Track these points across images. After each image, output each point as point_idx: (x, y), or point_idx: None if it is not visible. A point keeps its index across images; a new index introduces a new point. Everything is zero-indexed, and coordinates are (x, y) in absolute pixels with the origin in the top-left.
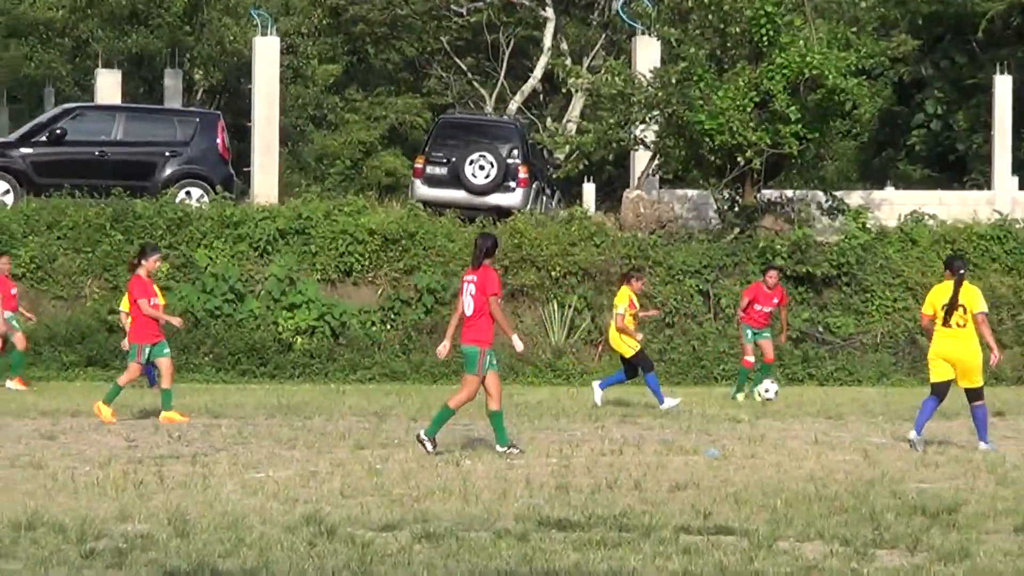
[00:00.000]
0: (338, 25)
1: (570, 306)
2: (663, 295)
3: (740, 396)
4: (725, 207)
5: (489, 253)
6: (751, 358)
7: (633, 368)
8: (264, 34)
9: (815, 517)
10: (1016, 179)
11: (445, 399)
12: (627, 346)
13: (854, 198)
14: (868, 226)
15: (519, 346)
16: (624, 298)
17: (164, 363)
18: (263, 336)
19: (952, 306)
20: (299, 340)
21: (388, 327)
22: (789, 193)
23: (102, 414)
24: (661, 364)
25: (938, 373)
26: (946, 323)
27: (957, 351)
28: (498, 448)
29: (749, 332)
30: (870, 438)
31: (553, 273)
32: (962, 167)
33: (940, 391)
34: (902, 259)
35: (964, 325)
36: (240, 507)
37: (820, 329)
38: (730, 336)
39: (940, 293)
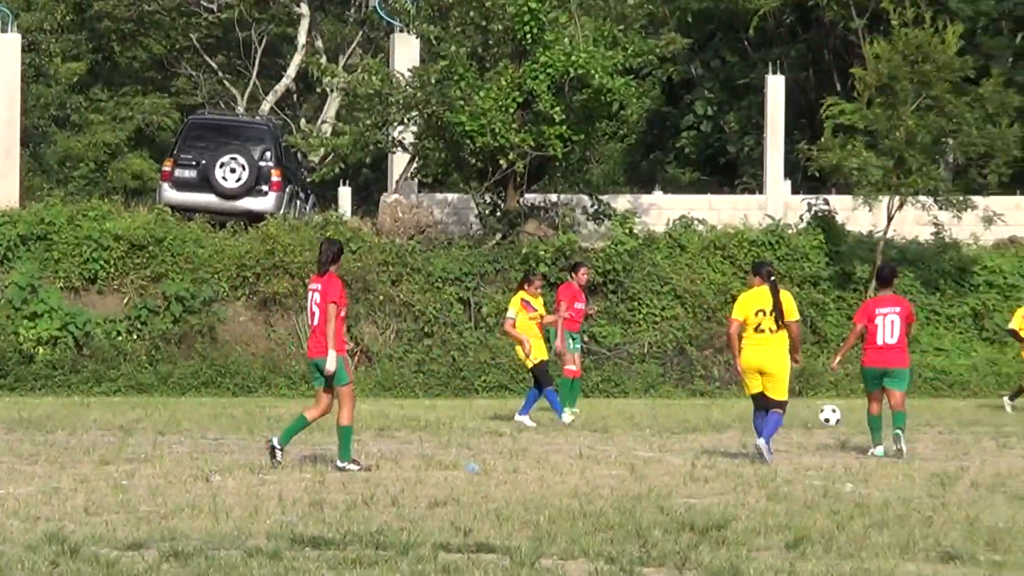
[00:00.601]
0: (82, 21)
1: None
2: (421, 303)
3: (567, 415)
4: (487, 212)
5: (335, 259)
6: (573, 367)
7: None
8: (4, 31)
9: (580, 534)
10: (788, 183)
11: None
12: (522, 353)
13: (621, 202)
14: (635, 232)
15: (332, 365)
16: (515, 302)
17: None
18: (3, 346)
19: (779, 312)
20: (41, 351)
21: (134, 337)
22: (553, 197)
23: None
24: (420, 375)
25: (751, 384)
26: (759, 329)
27: (765, 359)
28: (338, 463)
29: (571, 339)
30: (637, 452)
31: (307, 281)
32: (733, 170)
33: (760, 402)
34: (671, 266)
35: (776, 332)
36: None
37: (585, 339)
38: (491, 346)
39: (753, 299)
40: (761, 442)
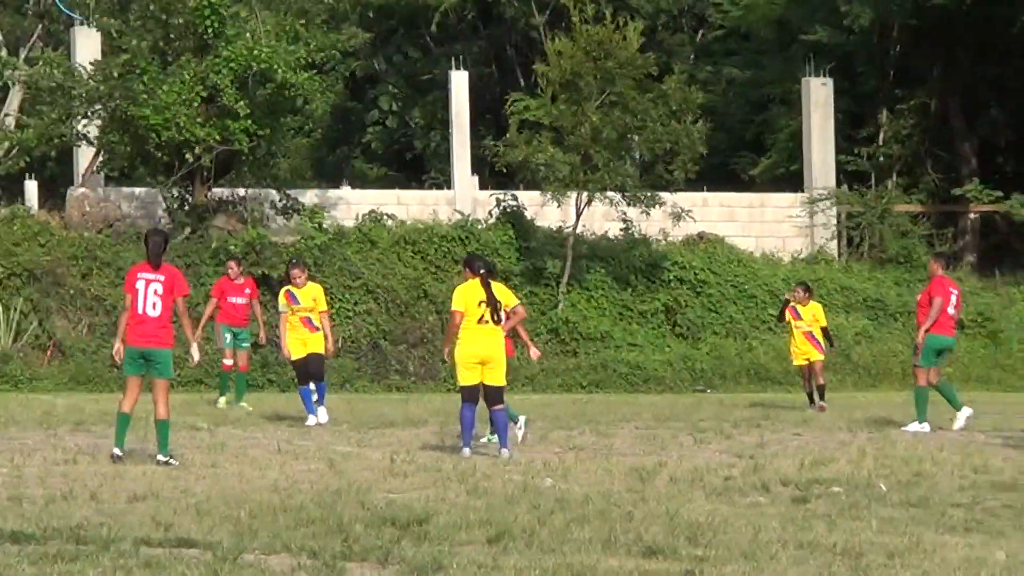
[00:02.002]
0: None
1: (16, 309)
2: (113, 297)
3: (223, 401)
4: (175, 206)
5: (165, 250)
6: (230, 361)
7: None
8: None
9: (281, 529)
10: (476, 178)
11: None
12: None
13: (309, 197)
14: (325, 226)
15: (196, 355)
16: (281, 296)
17: None
18: None
19: (492, 304)
20: None
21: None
22: (241, 192)
23: None
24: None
25: (469, 376)
26: (482, 321)
27: (489, 348)
28: (160, 457)
29: (228, 335)
30: (335, 447)
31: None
32: (420, 165)
33: (474, 395)
34: (362, 261)
35: (498, 322)
36: None
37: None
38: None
39: (470, 291)
40: (505, 452)
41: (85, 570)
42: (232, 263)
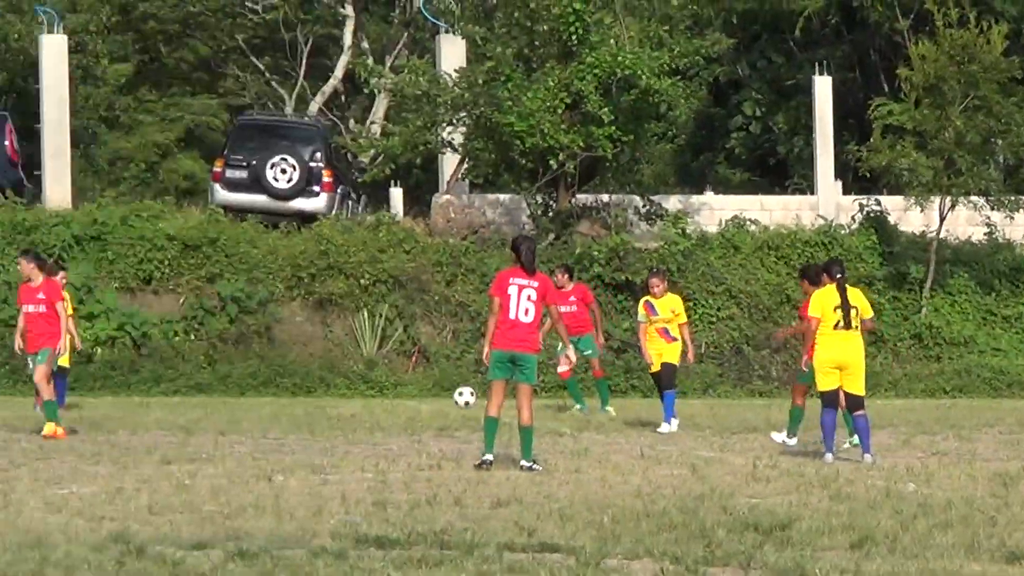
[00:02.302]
0: (128, 23)
1: (381, 315)
2: (477, 304)
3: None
4: (539, 212)
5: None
6: (563, 368)
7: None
8: (50, 32)
9: (644, 534)
10: (840, 183)
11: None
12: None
13: (672, 203)
14: (688, 232)
15: (573, 359)
16: (640, 306)
17: None
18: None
19: (846, 309)
20: (99, 351)
21: (192, 337)
22: (605, 198)
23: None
24: (479, 375)
25: (828, 381)
26: (838, 327)
27: (847, 354)
28: (523, 463)
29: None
30: (698, 452)
31: (362, 281)
32: (783, 171)
33: (833, 400)
34: (725, 266)
35: (855, 328)
36: (43, 525)
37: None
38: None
39: (828, 297)
40: (868, 457)
41: (449, 575)
42: (559, 271)
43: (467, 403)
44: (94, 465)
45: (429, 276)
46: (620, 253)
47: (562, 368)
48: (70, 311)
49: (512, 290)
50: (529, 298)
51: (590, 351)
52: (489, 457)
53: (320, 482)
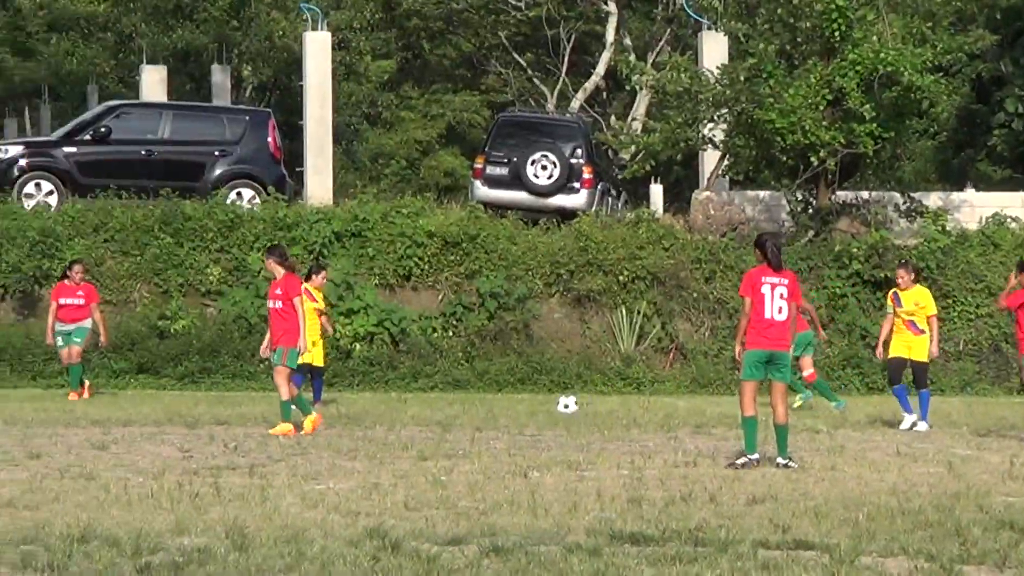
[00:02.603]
0: (391, 19)
1: (639, 312)
2: (736, 301)
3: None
4: (798, 209)
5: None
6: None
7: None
8: (314, 29)
9: (899, 532)
10: None
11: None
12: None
13: (932, 200)
14: (948, 229)
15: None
16: (887, 298)
17: None
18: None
19: None
20: (358, 347)
21: (450, 333)
22: (865, 194)
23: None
24: (736, 372)
25: None
26: None
27: None
28: (779, 460)
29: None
30: (954, 450)
31: (621, 278)
32: None
33: None
34: (984, 263)
35: None
36: (300, 520)
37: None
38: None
39: None
40: None
41: (703, 572)
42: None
43: (566, 405)
44: (351, 461)
45: (688, 273)
46: (879, 250)
47: (808, 371)
48: (320, 306)
49: (765, 289)
50: (781, 296)
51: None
52: (756, 456)
53: (576, 478)
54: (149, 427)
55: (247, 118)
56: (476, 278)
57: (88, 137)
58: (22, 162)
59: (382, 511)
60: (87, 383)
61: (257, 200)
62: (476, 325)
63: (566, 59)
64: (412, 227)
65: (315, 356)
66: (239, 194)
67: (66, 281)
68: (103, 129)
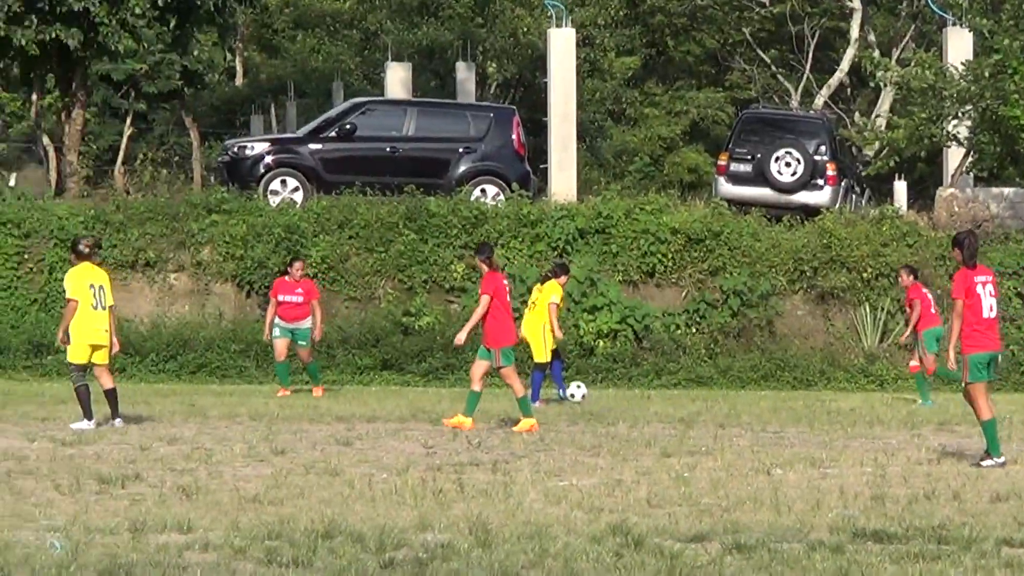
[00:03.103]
0: (635, 16)
1: (883, 309)
2: None
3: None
4: None
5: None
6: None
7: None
8: (559, 25)
9: None
10: None
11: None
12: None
13: None
14: None
15: None
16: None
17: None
18: (563, 340)
19: None
20: (601, 344)
21: (693, 330)
22: None
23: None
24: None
25: None
26: None
27: None
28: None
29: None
30: None
31: (864, 275)
32: None
33: None
34: None
35: None
36: (543, 516)
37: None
38: None
39: None
40: None
41: (946, 570)
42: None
43: (572, 395)
44: (594, 457)
45: (932, 270)
46: None
47: (914, 362)
48: (559, 300)
49: (979, 289)
50: (991, 294)
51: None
52: (1002, 460)
53: (819, 476)
54: (393, 423)
55: (491, 115)
56: (719, 275)
57: (333, 134)
58: (268, 159)
59: (625, 507)
60: (321, 387)
61: (501, 197)
62: (719, 322)
63: (810, 55)
64: (656, 224)
65: (538, 350)
66: (483, 191)
67: (286, 278)
68: (348, 126)
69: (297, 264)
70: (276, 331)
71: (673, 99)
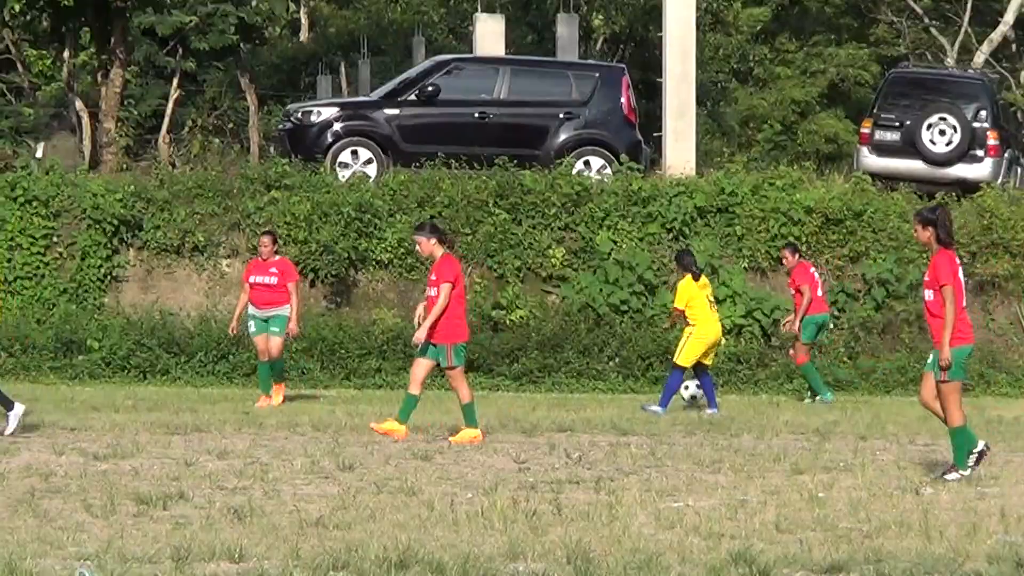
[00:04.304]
0: None
1: None
2: None
3: None
4: None
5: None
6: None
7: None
8: None
9: None
10: None
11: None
12: None
13: None
14: None
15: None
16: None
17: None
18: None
19: None
20: (723, 341)
21: (831, 326)
22: None
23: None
24: None
25: None
26: None
27: None
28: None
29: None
30: None
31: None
32: None
33: None
34: None
35: None
36: (654, 543)
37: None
38: None
39: None
40: None
41: None
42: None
43: (693, 396)
44: (713, 474)
45: None
46: None
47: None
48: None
49: (960, 274)
50: (964, 280)
51: None
52: (968, 472)
53: (975, 496)
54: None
55: (597, 75)
56: (861, 261)
57: (413, 97)
58: (337, 126)
59: (749, 533)
60: (282, 386)
61: (608, 170)
62: (861, 316)
63: (969, 6)
64: (787, 202)
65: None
66: (587, 163)
67: (259, 258)
68: (430, 88)
69: (265, 239)
70: (251, 325)
71: (809, 56)
